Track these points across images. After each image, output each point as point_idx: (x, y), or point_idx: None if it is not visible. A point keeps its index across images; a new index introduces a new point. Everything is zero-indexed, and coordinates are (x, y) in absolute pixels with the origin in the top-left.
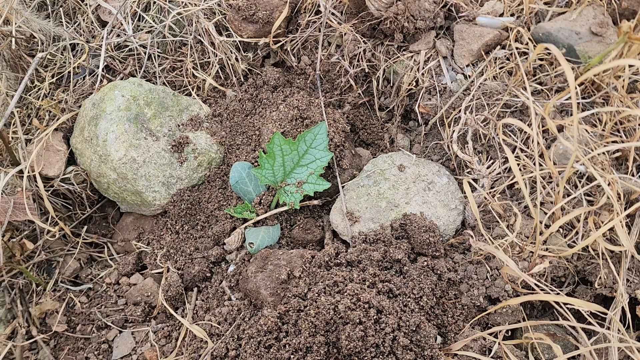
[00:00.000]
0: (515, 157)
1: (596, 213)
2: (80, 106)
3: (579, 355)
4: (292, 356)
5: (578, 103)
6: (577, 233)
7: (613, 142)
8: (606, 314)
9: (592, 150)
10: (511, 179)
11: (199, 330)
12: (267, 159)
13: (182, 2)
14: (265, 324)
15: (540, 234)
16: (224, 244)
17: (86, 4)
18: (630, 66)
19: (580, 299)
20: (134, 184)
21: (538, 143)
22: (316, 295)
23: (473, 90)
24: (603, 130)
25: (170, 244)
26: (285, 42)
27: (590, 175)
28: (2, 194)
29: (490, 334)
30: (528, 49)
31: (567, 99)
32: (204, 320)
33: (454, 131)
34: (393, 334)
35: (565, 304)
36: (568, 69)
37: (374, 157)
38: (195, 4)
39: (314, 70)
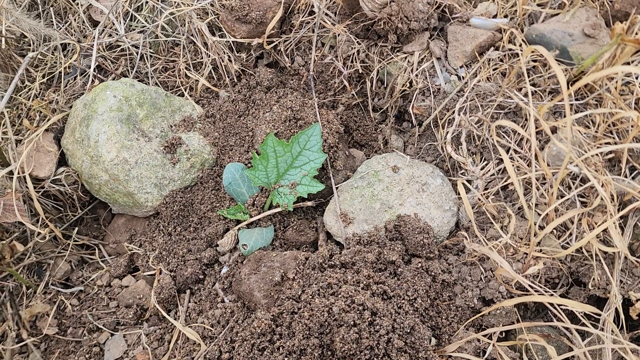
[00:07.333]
0: (509, 158)
1: (590, 214)
2: (71, 107)
3: (573, 356)
4: (285, 359)
5: (571, 105)
6: (570, 234)
7: (606, 143)
8: (600, 315)
9: (586, 152)
10: (505, 180)
11: (191, 333)
12: (260, 160)
13: (175, 2)
14: (259, 327)
15: (535, 235)
16: (217, 245)
17: (77, 4)
18: None
19: (574, 300)
20: (125, 185)
21: (532, 144)
22: (310, 297)
23: (467, 91)
24: (596, 131)
25: (162, 245)
26: (279, 42)
27: (583, 177)
28: None
29: (484, 336)
30: (521, 51)
31: (560, 101)
32: (196, 323)
33: (447, 132)
34: (387, 336)
35: (559, 305)
36: (559, 72)
37: (367, 158)
38: (188, 4)
39: (307, 71)
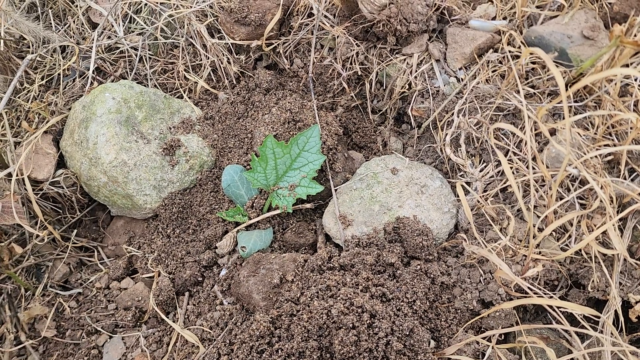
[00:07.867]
0: (508, 160)
1: (589, 216)
2: (70, 109)
3: (572, 359)
4: None
5: (570, 107)
6: (570, 236)
7: (605, 145)
8: (599, 317)
9: (585, 154)
10: (504, 182)
11: (190, 335)
12: (259, 162)
13: (174, 4)
14: (258, 329)
15: (534, 237)
16: (216, 247)
17: (77, 6)
18: None
19: (573, 303)
20: (124, 187)
21: (531, 147)
22: (309, 299)
23: (466, 93)
24: (595, 133)
25: (161, 247)
26: (278, 44)
27: (582, 179)
28: None
29: (483, 338)
30: (520, 53)
31: (559, 103)
32: (195, 325)
33: (446, 134)
34: (386, 339)
35: (558, 307)
36: (557, 74)
37: (366, 160)
38: (187, 6)
39: (306, 73)
